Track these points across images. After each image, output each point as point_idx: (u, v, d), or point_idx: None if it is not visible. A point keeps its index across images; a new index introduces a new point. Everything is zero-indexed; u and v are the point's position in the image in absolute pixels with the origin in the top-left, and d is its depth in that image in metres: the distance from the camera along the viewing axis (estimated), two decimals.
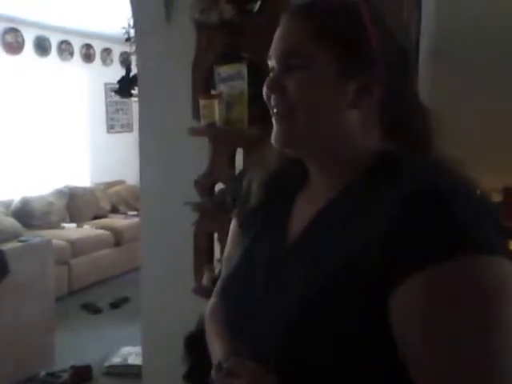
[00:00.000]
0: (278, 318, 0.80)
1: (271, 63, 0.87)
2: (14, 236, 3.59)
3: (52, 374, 3.42)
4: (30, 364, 3.38)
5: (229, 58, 1.91)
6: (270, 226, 0.95)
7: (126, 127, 7.25)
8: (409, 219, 0.72)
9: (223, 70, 1.87)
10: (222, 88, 1.87)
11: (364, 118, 0.85)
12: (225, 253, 1.13)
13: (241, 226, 1.05)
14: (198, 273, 2.13)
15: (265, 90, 0.87)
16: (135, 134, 2.40)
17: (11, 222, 4.17)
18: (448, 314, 0.68)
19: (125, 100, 6.90)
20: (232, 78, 1.86)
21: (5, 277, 3.16)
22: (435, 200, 0.72)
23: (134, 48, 2.30)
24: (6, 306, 3.23)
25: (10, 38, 5.82)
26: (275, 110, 0.86)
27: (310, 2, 0.86)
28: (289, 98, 0.83)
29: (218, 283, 1.06)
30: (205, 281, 2.08)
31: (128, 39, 2.27)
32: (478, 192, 0.79)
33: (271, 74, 0.86)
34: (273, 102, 0.86)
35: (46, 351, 3.49)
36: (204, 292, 1.99)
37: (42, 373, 3.43)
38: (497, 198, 2.74)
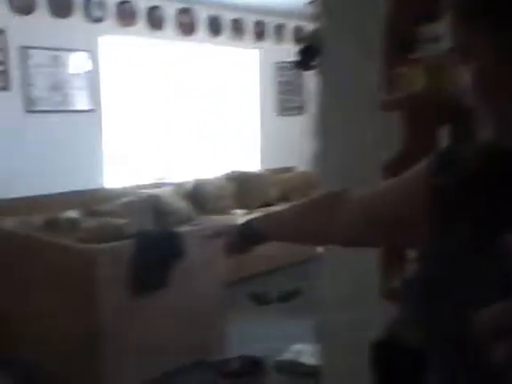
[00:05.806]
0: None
1: None
2: (187, 219, 3.59)
3: (222, 361, 3.35)
4: (199, 349, 3.36)
5: (429, 17, 1.58)
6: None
7: (298, 110, 6.88)
8: None
9: (428, 30, 1.54)
10: (425, 51, 1.55)
11: None
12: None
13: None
14: (386, 273, 1.84)
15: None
16: (307, 117, 2.17)
17: (184, 206, 4.23)
18: None
19: (297, 80, 6.65)
20: (438, 39, 1.52)
21: (181, 258, 3.16)
22: None
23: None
24: (180, 288, 3.22)
25: (184, 18, 5.83)
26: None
27: None
28: None
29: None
30: (394, 283, 1.79)
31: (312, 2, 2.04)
32: None
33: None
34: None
35: (214, 338, 3.45)
36: (393, 296, 1.70)
37: (212, 358, 3.37)
38: None
